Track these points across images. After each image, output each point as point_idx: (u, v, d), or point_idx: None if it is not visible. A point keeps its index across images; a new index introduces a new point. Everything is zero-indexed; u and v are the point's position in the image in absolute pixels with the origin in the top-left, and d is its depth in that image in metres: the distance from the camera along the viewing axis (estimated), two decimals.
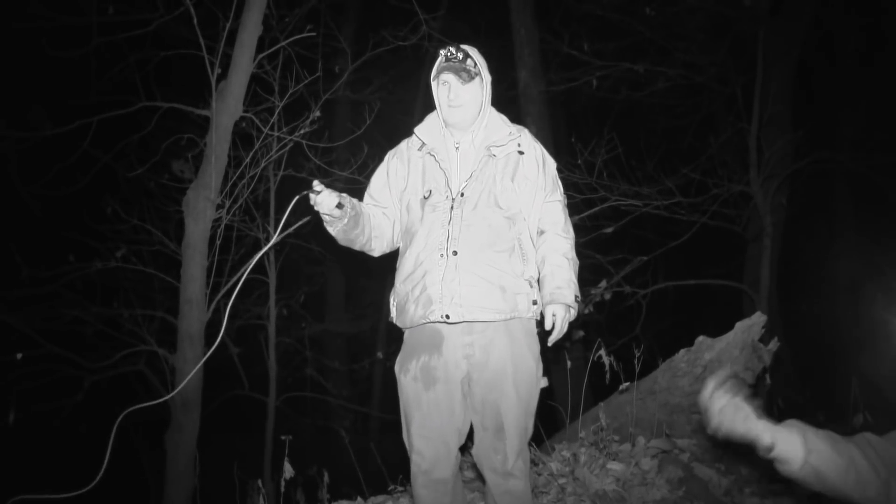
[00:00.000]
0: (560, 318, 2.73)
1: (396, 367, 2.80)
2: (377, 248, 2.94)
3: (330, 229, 2.77)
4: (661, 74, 8.36)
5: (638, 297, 7.12)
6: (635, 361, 4.28)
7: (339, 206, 2.66)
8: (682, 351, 4.40)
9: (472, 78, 2.77)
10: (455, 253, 2.66)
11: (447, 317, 2.64)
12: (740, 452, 4.06)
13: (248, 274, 2.78)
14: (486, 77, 2.81)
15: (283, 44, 5.69)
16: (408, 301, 2.73)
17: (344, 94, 8.00)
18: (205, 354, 5.43)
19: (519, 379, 2.70)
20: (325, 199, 2.64)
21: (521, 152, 2.84)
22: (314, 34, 5.65)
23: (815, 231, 12.19)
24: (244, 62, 5.28)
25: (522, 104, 8.78)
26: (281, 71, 5.94)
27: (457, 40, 2.91)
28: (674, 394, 4.29)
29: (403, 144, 2.98)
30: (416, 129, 2.91)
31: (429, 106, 2.97)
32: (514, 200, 2.80)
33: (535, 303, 2.78)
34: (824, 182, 11.48)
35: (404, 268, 2.79)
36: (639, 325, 7.19)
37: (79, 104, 6.51)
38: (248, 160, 5.98)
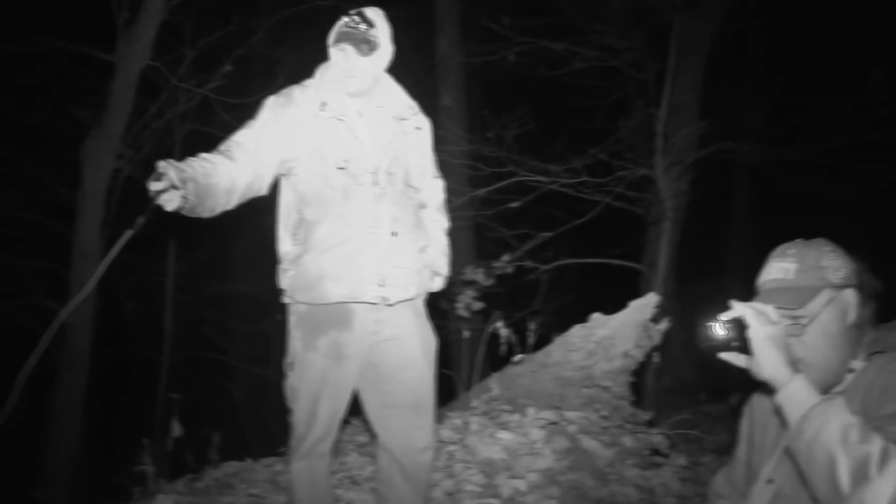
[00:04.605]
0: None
1: (298, 346, 2.68)
2: (210, 214, 2.54)
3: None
4: (578, 55, 8.44)
5: (539, 272, 7.24)
6: (531, 334, 4.38)
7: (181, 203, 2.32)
8: (577, 327, 4.51)
9: (373, 49, 2.60)
10: (394, 234, 2.61)
11: (385, 299, 2.60)
12: (624, 427, 4.24)
13: (146, 230, 2.50)
14: (388, 47, 2.66)
15: None
16: (324, 278, 2.57)
17: (260, 51, 7.78)
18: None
19: (428, 353, 2.75)
20: (169, 200, 2.30)
21: (418, 128, 2.83)
22: None
23: (713, 217, 12.66)
24: (156, 4, 5.10)
25: (439, 74, 8.76)
26: (195, 22, 5.76)
27: (376, 5, 2.72)
28: (566, 367, 4.40)
29: (295, 96, 2.70)
30: (317, 89, 2.69)
31: None
32: (422, 176, 2.85)
33: (437, 275, 2.88)
34: (725, 171, 11.91)
35: (320, 241, 2.59)
36: (538, 299, 7.32)
37: None
38: (153, 110, 5.80)
